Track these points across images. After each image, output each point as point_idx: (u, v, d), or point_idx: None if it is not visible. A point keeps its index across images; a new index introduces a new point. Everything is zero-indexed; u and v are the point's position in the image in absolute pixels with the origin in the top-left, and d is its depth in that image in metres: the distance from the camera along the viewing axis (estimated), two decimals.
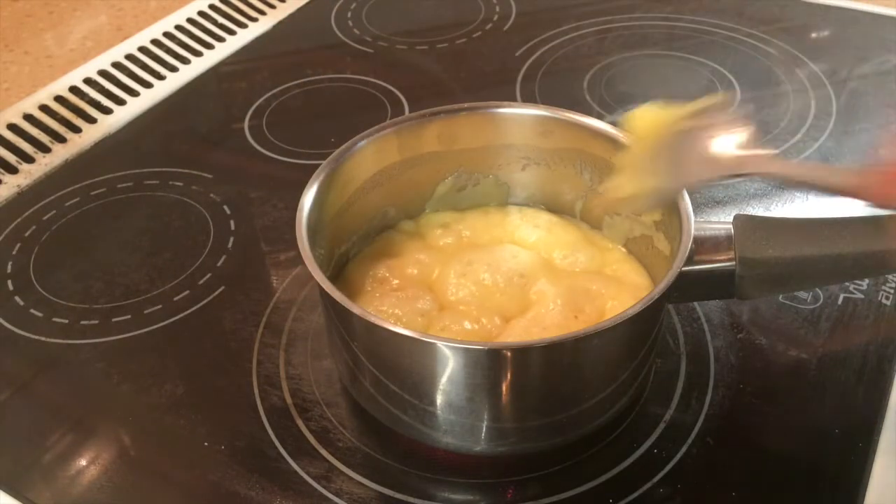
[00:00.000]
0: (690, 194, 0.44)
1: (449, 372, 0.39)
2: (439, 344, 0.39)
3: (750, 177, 0.43)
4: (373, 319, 0.39)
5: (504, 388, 0.40)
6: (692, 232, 0.42)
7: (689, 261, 0.41)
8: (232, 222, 0.62)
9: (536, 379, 0.41)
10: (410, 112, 0.70)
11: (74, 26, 0.86)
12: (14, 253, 0.60)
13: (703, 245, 0.42)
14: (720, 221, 0.43)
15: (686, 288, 0.41)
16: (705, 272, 0.42)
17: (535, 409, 0.42)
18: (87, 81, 0.75)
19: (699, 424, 0.46)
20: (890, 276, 0.54)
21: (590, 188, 0.52)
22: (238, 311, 0.54)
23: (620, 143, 0.47)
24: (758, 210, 0.61)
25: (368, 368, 0.43)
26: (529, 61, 0.78)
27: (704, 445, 0.46)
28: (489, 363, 0.39)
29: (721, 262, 0.42)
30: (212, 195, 0.64)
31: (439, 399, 0.41)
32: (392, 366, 0.42)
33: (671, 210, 0.45)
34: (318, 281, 0.40)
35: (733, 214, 0.44)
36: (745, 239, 0.42)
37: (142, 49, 0.79)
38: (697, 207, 0.43)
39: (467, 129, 0.51)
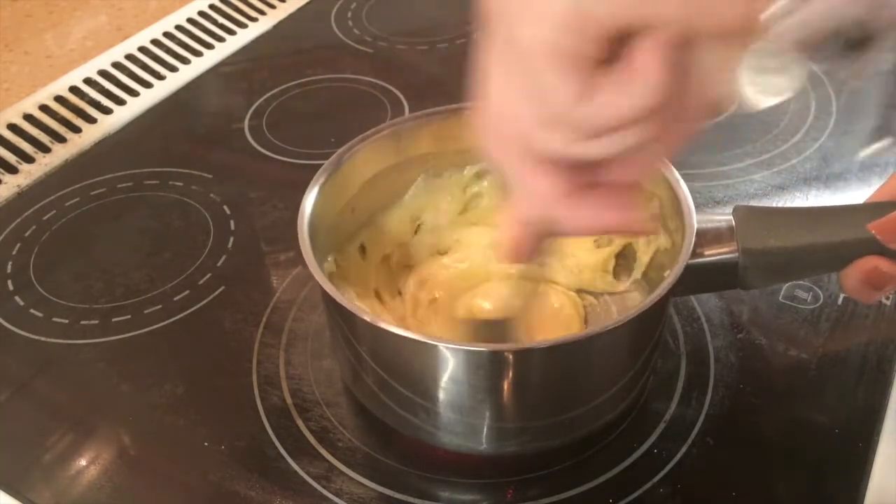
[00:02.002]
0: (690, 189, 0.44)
1: (451, 373, 0.39)
2: (441, 346, 0.39)
3: None
4: (375, 322, 0.39)
5: (506, 389, 0.40)
6: (695, 225, 0.42)
7: (693, 253, 0.41)
8: (232, 222, 0.62)
9: (539, 380, 0.41)
10: (410, 112, 0.70)
11: (74, 26, 0.86)
12: (14, 253, 0.60)
13: (706, 237, 0.42)
14: (721, 213, 0.43)
15: (690, 281, 0.41)
16: (708, 264, 0.42)
17: (538, 411, 0.42)
18: (87, 81, 0.75)
19: (699, 424, 0.46)
20: None
21: None
22: (238, 311, 0.54)
23: None
24: None
25: (371, 368, 0.43)
26: None
27: (704, 445, 0.46)
28: (491, 365, 0.39)
29: (724, 253, 0.42)
30: (212, 195, 0.64)
31: (441, 399, 0.41)
32: (394, 367, 0.42)
33: (671, 205, 0.45)
34: (320, 283, 0.40)
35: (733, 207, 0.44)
36: (746, 229, 0.42)
37: (142, 49, 0.79)
38: (697, 207, 0.43)
39: (467, 129, 0.51)
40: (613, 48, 0.25)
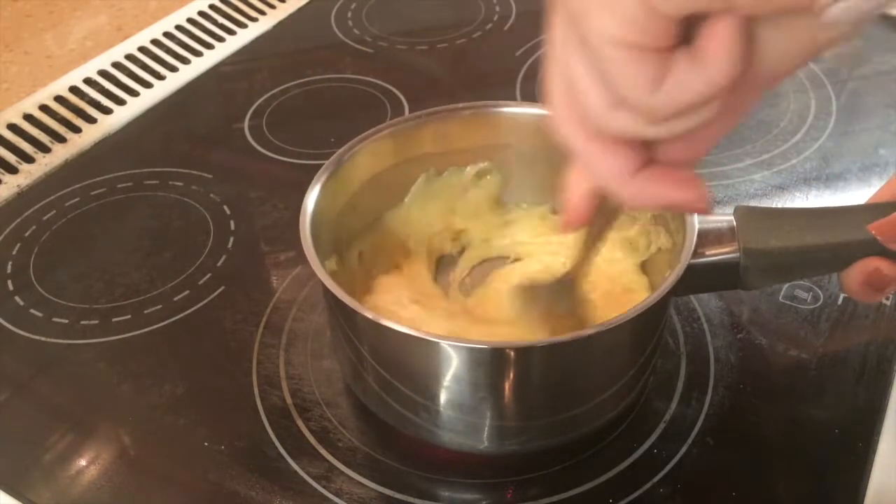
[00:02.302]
0: None
1: (452, 371, 0.39)
2: (443, 343, 0.39)
3: None
4: (377, 319, 0.39)
5: (507, 387, 0.40)
6: (696, 225, 0.42)
7: (694, 253, 0.41)
8: (232, 222, 0.62)
9: (540, 378, 0.41)
10: (410, 112, 0.70)
11: (74, 26, 0.86)
12: (14, 253, 0.60)
13: (707, 237, 0.42)
14: (722, 213, 0.44)
15: (691, 280, 0.41)
16: (710, 264, 0.42)
17: (539, 409, 0.42)
18: (87, 81, 0.75)
19: (699, 424, 0.46)
20: None
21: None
22: (238, 311, 0.54)
23: None
24: None
25: (372, 366, 0.43)
26: (529, 61, 0.78)
27: (704, 445, 0.46)
28: (492, 362, 0.39)
29: (725, 253, 0.42)
30: (212, 195, 0.64)
31: (442, 397, 0.41)
32: (395, 364, 0.42)
33: None
34: (322, 280, 0.40)
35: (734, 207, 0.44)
36: (747, 230, 0.42)
37: (142, 49, 0.79)
38: None
39: (467, 129, 0.51)
40: (682, 31, 0.25)
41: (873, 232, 0.39)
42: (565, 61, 0.28)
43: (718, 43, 0.25)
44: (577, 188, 0.34)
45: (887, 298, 0.53)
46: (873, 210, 0.40)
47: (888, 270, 0.39)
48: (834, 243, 0.41)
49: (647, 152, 0.30)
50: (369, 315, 0.39)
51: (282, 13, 0.87)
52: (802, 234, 0.41)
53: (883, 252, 0.39)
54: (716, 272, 0.43)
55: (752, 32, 0.26)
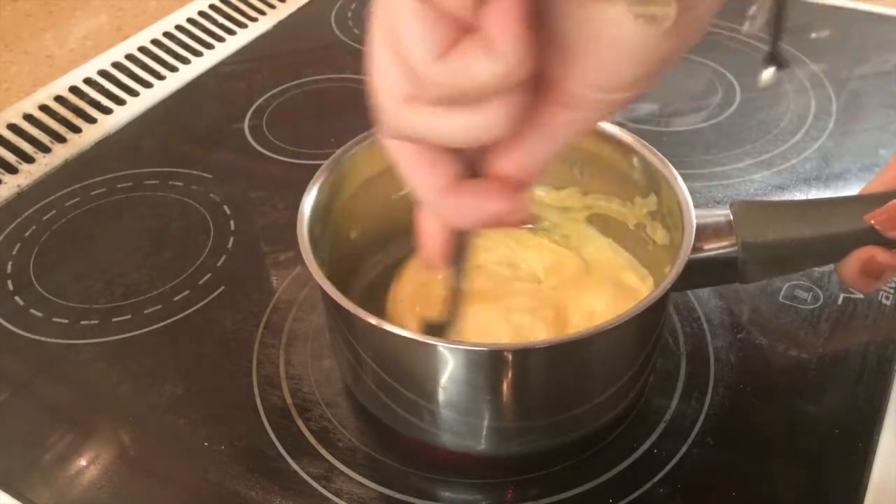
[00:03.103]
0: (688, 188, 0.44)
1: (450, 373, 0.39)
2: (440, 346, 0.39)
3: None
4: (375, 322, 0.39)
5: (506, 389, 0.40)
6: (694, 221, 0.42)
7: (693, 249, 0.41)
8: (232, 222, 0.62)
9: (539, 380, 0.41)
10: None
11: (74, 26, 0.86)
12: (14, 253, 0.60)
13: (705, 232, 0.43)
14: (719, 208, 0.44)
15: (690, 276, 0.41)
16: (708, 259, 0.43)
17: (538, 410, 0.42)
18: (87, 81, 0.75)
19: (699, 424, 0.46)
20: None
21: (580, 181, 0.52)
22: (238, 311, 0.54)
23: (609, 137, 0.47)
24: None
25: (371, 368, 0.43)
26: None
27: (704, 445, 0.46)
28: (490, 364, 0.39)
29: (723, 248, 0.42)
30: (212, 195, 0.64)
31: (441, 399, 0.41)
32: (394, 367, 0.42)
33: (669, 200, 0.45)
34: (320, 283, 0.40)
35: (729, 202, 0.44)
36: (744, 224, 0.42)
37: (142, 49, 0.79)
38: (696, 207, 0.43)
39: None
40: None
41: (871, 222, 0.39)
42: (376, 48, 0.26)
43: (499, 23, 0.22)
44: (429, 226, 0.32)
45: (887, 298, 0.53)
46: (869, 200, 0.40)
47: (883, 258, 0.40)
48: (831, 234, 0.41)
49: (461, 166, 0.28)
50: (367, 318, 0.39)
51: (282, 13, 0.87)
52: (799, 227, 0.41)
53: (879, 241, 0.40)
54: (714, 267, 0.43)
55: (558, 25, 0.24)
